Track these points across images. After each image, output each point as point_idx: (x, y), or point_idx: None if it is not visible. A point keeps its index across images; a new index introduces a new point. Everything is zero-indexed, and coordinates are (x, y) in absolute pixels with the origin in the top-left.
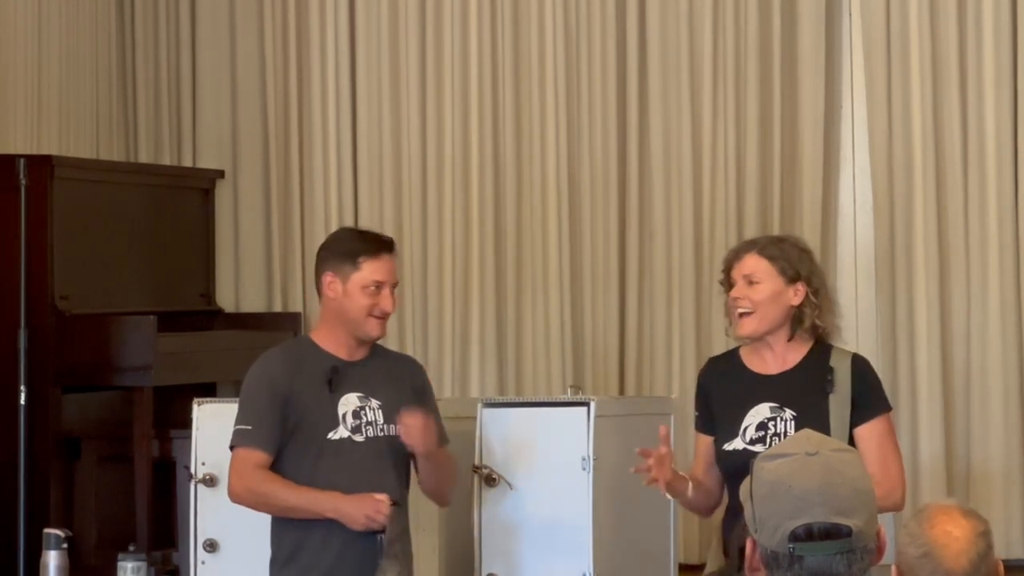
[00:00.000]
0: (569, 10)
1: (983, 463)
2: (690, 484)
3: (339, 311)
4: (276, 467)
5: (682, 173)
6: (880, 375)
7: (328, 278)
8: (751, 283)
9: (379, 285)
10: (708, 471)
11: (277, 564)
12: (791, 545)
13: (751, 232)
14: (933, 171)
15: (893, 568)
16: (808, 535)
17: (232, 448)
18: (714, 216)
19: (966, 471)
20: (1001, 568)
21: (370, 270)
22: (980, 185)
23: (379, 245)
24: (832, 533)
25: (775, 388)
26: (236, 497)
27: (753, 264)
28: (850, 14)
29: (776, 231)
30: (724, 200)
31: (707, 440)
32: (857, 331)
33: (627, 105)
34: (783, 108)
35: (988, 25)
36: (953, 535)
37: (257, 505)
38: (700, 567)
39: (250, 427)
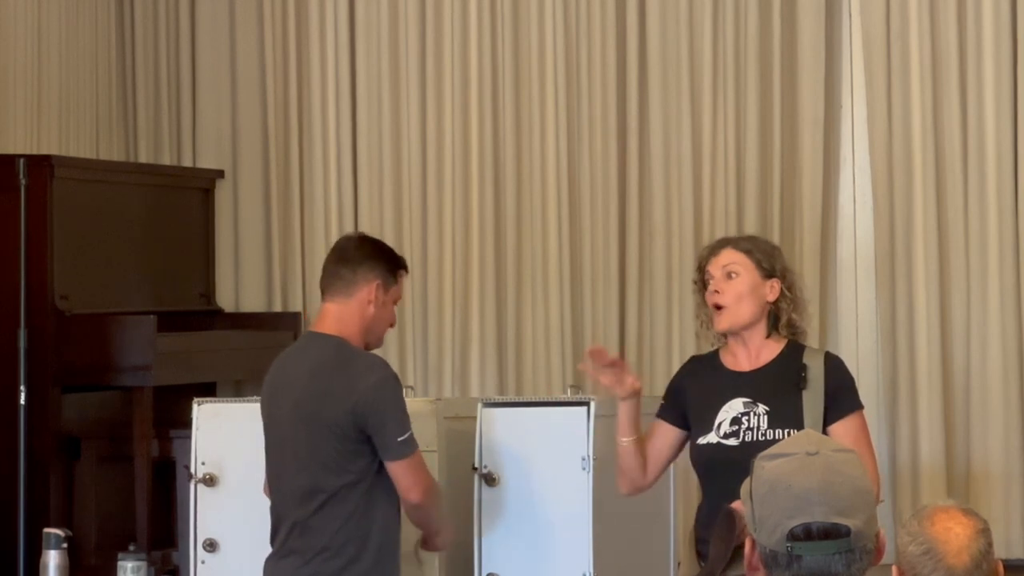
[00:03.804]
0: (569, 10)
1: (983, 463)
2: (637, 438)
3: (372, 320)
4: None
5: (682, 173)
6: (880, 375)
7: (375, 284)
8: (730, 276)
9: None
10: (652, 454)
11: (365, 560)
12: (789, 544)
13: (751, 232)
14: (933, 171)
15: (894, 568)
16: (807, 534)
17: (408, 455)
18: (714, 216)
19: (966, 471)
20: (1001, 568)
21: (401, 286)
22: (980, 184)
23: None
24: (831, 533)
25: (748, 384)
26: (428, 496)
27: (730, 257)
28: (850, 14)
29: (776, 231)
30: (724, 200)
31: (664, 427)
32: (857, 331)
33: (627, 105)
34: (783, 108)
35: (988, 25)
36: (954, 531)
37: (434, 505)
38: None
39: (412, 431)
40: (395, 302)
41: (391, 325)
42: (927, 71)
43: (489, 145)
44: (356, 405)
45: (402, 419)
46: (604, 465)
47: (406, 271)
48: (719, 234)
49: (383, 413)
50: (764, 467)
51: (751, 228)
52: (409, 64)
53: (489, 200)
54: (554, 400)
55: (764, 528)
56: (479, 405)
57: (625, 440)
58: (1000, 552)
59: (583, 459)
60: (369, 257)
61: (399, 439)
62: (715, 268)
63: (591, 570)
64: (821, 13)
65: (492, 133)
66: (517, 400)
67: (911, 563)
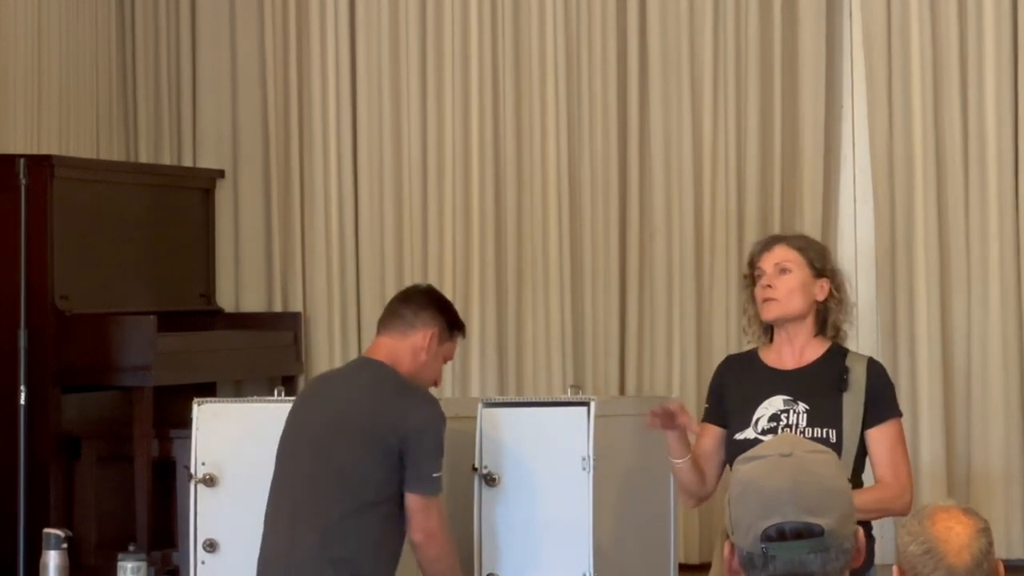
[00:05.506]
0: (569, 10)
1: (983, 463)
2: (690, 456)
3: (421, 367)
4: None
5: (682, 173)
6: None
7: (432, 333)
8: (782, 271)
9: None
10: (707, 459)
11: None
12: (763, 545)
13: (751, 232)
14: (934, 169)
15: (894, 568)
16: (780, 535)
17: (431, 494)
18: (714, 216)
19: (966, 471)
20: (1001, 568)
21: (455, 346)
22: (981, 183)
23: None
24: (803, 532)
25: (790, 382)
26: (430, 542)
27: (783, 254)
28: (850, 12)
29: (776, 231)
30: (724, 200)
31: (713, 429)
32: (857, 331)
33: (627, 105)
34: (783, 107)
35: (989, 23)
36: (955, 531)
37: (446, 557)
38: (700, 567)
39: (442, 474)
40: (445, 360)
41: (436, 383)
42: (928, 70)
43: (489, 145)
44: (409, 430)
45: (440, 458)
46: (604, 465)
47: (463, 335)
48: (719, 234)
49: (428, 446)
50: (739, 470)
51: (751, 228)
52: (409, 64)
53: (489, 200)
54: (554, 400)
55: (739, 530)
56: (479, 405)
57: (679, 461)
58: (1000, 552)
59: (583, 459)
60: (432, 305)
61: (433, 475)
62: (767, 264)
63: (591, 570)
64: (822, 12)
65: (492, 133)
66: (517, 400)
67: (912, 563)
